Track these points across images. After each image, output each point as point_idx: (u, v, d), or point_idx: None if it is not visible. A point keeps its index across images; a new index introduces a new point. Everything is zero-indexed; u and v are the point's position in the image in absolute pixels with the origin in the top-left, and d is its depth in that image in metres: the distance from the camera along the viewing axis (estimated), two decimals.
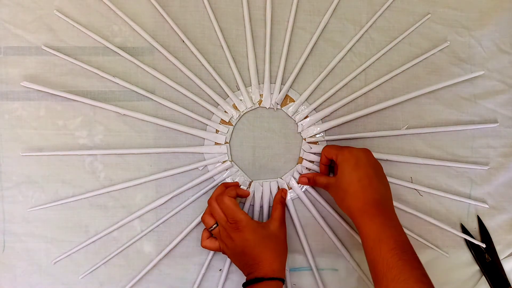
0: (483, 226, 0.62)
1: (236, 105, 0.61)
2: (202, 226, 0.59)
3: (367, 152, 0.53)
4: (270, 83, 0.61)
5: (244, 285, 0.52)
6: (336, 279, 0.61)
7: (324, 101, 0.62)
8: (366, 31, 0.62)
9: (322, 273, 0.61)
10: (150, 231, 0.60)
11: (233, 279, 0.60)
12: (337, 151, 0.54)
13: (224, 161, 0.61)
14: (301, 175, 0.60)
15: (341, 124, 0.61)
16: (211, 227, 0.55)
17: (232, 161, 0.61)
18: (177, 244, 0.59)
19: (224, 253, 0.56)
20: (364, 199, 0.50)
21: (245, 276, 0.53)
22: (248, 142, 0.62)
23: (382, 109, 0.61)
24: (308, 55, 0.61)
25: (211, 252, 0.59)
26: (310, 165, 0.61)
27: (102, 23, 0.60)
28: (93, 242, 0.59)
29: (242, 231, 0.52)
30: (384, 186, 0.52)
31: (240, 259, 0.53)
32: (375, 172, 0.52)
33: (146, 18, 0.61)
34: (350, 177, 0.51)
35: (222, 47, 0.61)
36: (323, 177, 0.57)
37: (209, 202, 0.55)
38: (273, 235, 0.54)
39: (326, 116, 0.62)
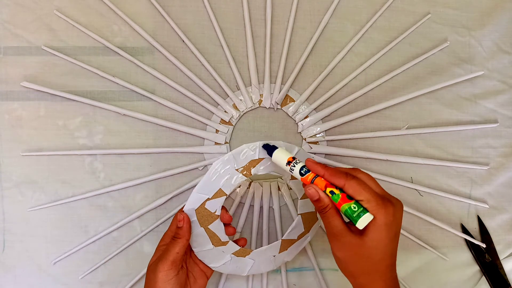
0: (483, 226, 0.62)
1: (236, 105, 0.61)
2: None
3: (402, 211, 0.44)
4: (270, 83, 0.61)
5: None
6: (337, 279, 0.61)
7: (324, 101, 0.62)
8: (366, 31, 0.62)
9: (322, 273, 0.61)
10: (150, 231, 0.60)
11: (233, 279, 0.60)
12: (377, 202, 0.41)
13: None
14: (309, 187, 0.44)
15: (341, 124, 0.61)
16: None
17: None
18: None
19: None
20: (386, 265, 0.43)
21: None
22: (248, 142, 0.61)
23: (382, 109, 0.61)
24: (308, 55, 0.61)
25: None
26: None
27: (102, 23, 0.60)
28: (93, 242, 0.59)
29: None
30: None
31: None
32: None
33: (146, 18, 0.61)
34: (385, 249, 0.42)
35: (222, 47, 0.61)
36: (339, 219, 0.43)
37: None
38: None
39: (326, 116, 0.62)
